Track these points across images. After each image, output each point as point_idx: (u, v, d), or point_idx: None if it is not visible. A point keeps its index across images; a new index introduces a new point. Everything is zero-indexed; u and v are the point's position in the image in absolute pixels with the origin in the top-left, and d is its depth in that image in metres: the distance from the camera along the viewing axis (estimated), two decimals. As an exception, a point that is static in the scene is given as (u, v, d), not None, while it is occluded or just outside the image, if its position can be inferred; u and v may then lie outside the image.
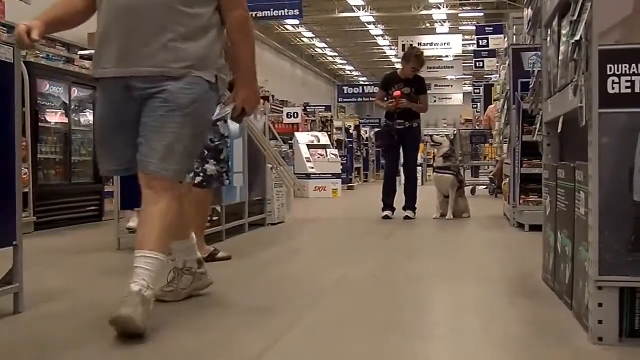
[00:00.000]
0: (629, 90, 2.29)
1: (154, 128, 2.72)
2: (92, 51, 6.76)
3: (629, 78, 2.29)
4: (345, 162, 15.16)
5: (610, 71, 2.30)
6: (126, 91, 2.79)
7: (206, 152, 4.27)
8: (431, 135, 8.44)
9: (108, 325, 2.46)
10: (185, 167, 2.87)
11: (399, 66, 8.90)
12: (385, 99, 7.62)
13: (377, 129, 21.58)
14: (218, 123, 4.41)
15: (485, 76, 26.86)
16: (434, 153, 8.84)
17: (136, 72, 2.74)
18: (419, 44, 21.54)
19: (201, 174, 4.28)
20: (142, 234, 2.73)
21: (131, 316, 2.40)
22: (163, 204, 2.72)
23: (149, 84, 2.74)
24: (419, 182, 8.22)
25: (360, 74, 42.41)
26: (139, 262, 2.61)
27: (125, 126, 2.82)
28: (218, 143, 4.37)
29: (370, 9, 26.17)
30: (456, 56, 27.33)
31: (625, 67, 2.29)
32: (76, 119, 7.40)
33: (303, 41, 33.09)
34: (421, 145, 9.70)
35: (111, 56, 2.77)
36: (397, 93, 7.37)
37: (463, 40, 25.42)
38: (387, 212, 7.51)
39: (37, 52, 6.96)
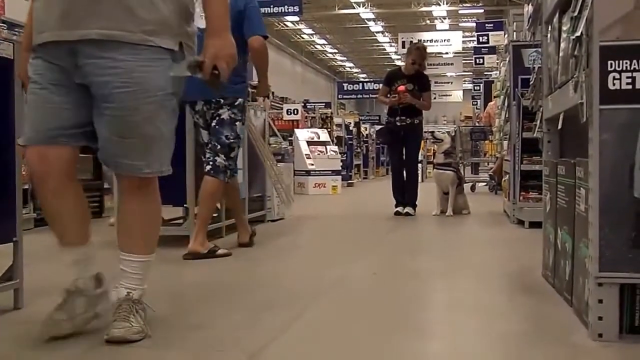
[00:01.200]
0: (630, 87, 2.29)
1: (116, 118, 2.34)
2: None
3: (629, 74, 2.29)
4: (344, 158, 15.15)
5: (611, 67, 2.30)
6: (70, 57, 2.34)
7: (218, 147, 4.51)
8: (432, 132, 8.44)
9: (106, 321, 2.46)
10: (166, 157, 2.55)
11: (399, 63, 8.91)
12: (388, 95, 7.62)
13: (377, 126, 21.61)
14: (237, 123, 4.62)
15: (485, 73, 26.92)
16: (433, 150, 8.85)
17: (84, 35, 2.29)
18: (419, 41, 21.52)
19: (210, 163, 4.50)
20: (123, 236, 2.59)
21: (124, 337, 2.35)
22: (140, 203, 2.54)
23: (100, 51, 2.30)
24: (419, 178, 8.21)
25: (360, 70, 42.43)
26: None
27: (69, 90, 2.38)
28: (232, 141, 4.56)
29: (370, 6, 26.17)
30: (456, 53, 27.34)
31: (626, 63, 2.29)
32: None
33: (303, 38, 33.09)
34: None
35: (52, 18, 2.32)
36: (401, 88, 7.36)
37: (463, 36, 25.42)
38: (398, 208, 7.52)
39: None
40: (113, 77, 2.31)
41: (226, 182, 4.60)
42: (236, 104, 4.58)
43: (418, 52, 7.59)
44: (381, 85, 8.19)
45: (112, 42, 2.30)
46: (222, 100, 4.53)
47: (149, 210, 2.60)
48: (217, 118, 4.56)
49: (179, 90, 2.50)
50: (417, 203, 7.55)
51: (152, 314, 2.57)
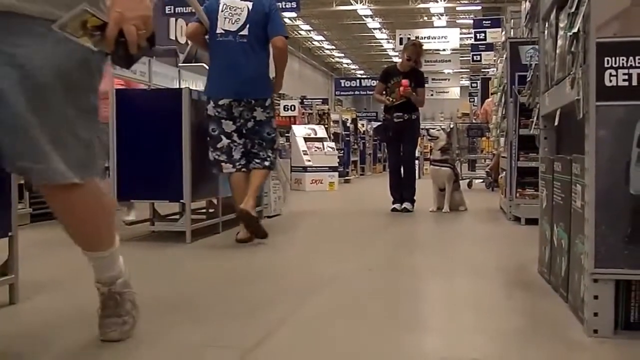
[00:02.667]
0: (626, 83, 2.29)
1: (21, 115, 1.90)
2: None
3: (626, 71, 2.29)
4: (341, 155, 15.15)
5: (608, 64, 2.30)
6: None
7: (264, 143, 4.96)
8: (427, 130, 8.44)
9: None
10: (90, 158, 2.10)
11: (396, 59, 8.91)
12: (384, 92, 7.62)
13: (374, 123, 21.60)
14: (272, 120, 5.05)
15: (482, 70, 26.90)
16: (430, 146, 8.85)
17: None
18: (416, 38, 21.51)
19: (267, 160, 4.99)
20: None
21: (120, 338, 2.33)
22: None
23: None
24: (416, 174, 8.23)
25: (357, 67, 42.41)
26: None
27: None
28: (273, 135, 5.05)
29: (368, 2, 26.16)
30: (453, 50, 27.31)
31: (623, 59, 2.29)
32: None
33: (300, 34, 33.06)
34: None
35: None
36: (405, 82, 7.35)
37: (460, 33, 25.41)
38: (395, 205, 7.52)
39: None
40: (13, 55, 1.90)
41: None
42: (267, 104, 4.97)
43: (414, 49, 7.59)
44: (377, 81, 8.17)
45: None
46: (253, 101, 4.87)
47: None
48: (254, 120, 4.92)
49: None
50: (415, 198, 7.55)
51: (148, 308, 2.56)
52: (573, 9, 2.53)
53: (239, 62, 4.86)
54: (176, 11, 12.38)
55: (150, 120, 5.08)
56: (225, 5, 4.90)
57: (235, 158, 4.93)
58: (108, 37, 1.84)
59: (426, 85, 7.86)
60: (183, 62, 7.69)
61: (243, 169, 4.94)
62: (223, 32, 4.87)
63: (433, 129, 8.26)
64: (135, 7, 1.87)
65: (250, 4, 4.89)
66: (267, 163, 4.99)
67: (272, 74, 5.20)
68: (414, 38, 20.47)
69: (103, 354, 2.28)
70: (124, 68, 2.00)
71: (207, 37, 5.04)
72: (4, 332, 2.57)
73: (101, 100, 2.25)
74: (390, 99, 7.48)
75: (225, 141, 4.92)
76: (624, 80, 2.29)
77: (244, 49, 4.87)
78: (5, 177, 2.84)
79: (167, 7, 12.28)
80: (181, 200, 5.07)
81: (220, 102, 4.88)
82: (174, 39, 17.18)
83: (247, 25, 4.85)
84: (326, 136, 14.00)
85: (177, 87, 5.75)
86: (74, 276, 3.78)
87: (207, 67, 6.74)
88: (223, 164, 4.94)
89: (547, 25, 3.36)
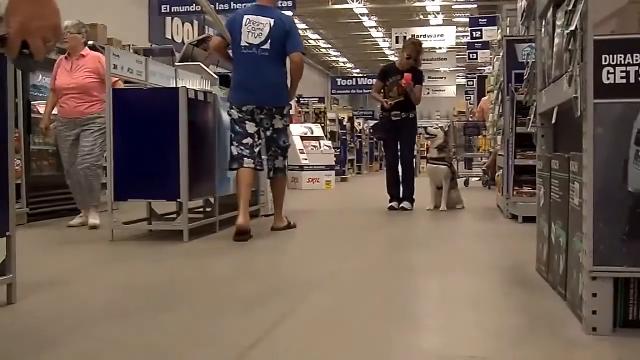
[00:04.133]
0: (624, 81, 2.29)
1: None
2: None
3: (624, 68, 2.29)
4: (338, 153, 15.15)
5: (606, 61, 2.30)
6: None
7: (279, 151, 5.50)
8: (425, 128, 8.43)
9: (101, 316, 2.45)
10: None
11: (392, 58, 8.91)
12: (382, 90, 7.62)
13: (370, 121, 21.59)
14: (287, 128, 5.60)
15: (479, 68, 26.88)
16: (427, 145, 8.84)
17: None
18: (413, 36, 21.49)
19: (280, 168, 5.53)
20: None
21: None
22: None
23: None
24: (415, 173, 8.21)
25: (353, 66, 42.36)
26: None
27: None
28: (288, 144, 5.62)
29: (364, 1, 26.12)
30: (450, 48, 27.32)
31: (621, 57, 2.29)
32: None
33: (296, 33, 32.93)
34: (415, 137, 9.67)
35: None
36: (407, 76, 7.35)
37: (456, 32, 25.40)
38: (393, 203, 7.52)
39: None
40: None
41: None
42: (285, 112, 5.49)
43: (413, 47, 7.60)
44: (375, 80, 8.17)
45: None
46: (274, 109, 5.37)
47: None
48: (273, 128, 5.42)
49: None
50: (414, 198, 7.55)
51: (145, 306, 2.56)
52: (570, 7, 2.53)
53: (261, 73, 5.31)
54: (172, 10, 12.34)
55: (147, 119, 5.08)
56: (248, 20, 5.34)
57: (255, 154, 5.34)
58: (10, 50, 1.56)
59: (423, 83, 7.84)
60: (179, 62, 7.67)
61: (258, 167, 5.40)
62: (247, 45, 5.32)
63: (431, 127, 8.25)
64: (42, 15, 1.56)
65: (272, 21, 5.34)
66: (280, 175, 5.58)
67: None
68: (410, 36, 20.47)
69: (101, 354, 2.28)
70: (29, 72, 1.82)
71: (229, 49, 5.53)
72: (2, 332, 2.57)
73: None
74: (388, 102, 7.47)
75: (249, 140, 5.32)
76: (621, 77, 2.29)
77: (265, 61, 5.31)
78: (3, 177, 2.83)
79: (163, 6, 12.24)
80: (178, 200, 5.07)
81: (244, 109, 5.32)
82: (170, 38, 17.17)
83: (270, 40, 5.30)
84: (323, 135, 14.00)
85: (174, 86, 5.73)
86: (71, 275, 3.79)
87: (203, 66, 6.77)
88: (246, 158, 5.28)
89: (544, 24, 3.36)
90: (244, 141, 5.29)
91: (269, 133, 5.44)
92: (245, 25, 5.33)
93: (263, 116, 5.36)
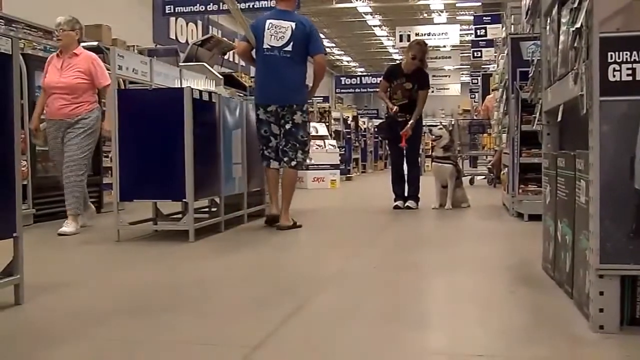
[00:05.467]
0: (630, 78, 2.28)
1: None
2: (89, 43, 6.68)
3: (629, 65, 2.28)
4: (343, 152, 15.13)
5: (611, 59, 2.30)
6: None
7: (297, 145, 5.73)
8: (430, 129, 8.41)
9: (107, 316, 2.46)
10: None
11: (396, 56, 8.91)
12: (388, 90, 7.60)
13: (375, 120, 21.55)
14: (307, 123, 5.93)
15: (483, 66, 26.85)
16: (432, 144, 8.83)
17: None
18: (417, 34, 21.49)
19: (294, 160, 5.73)
20: None
21: None
22: None
23: None
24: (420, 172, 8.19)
25: (357, 64, 42.32)
26: None
27: None
28: (306, 139, 5.85)
29: (367, 0, 26.10)
30: (454, 46, 27.26)
31: (626, 54, 2.28)
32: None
33: (300, 32, 32.92)
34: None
35: None
36: (405, 134, 7.36)
37: (460, 30, 25.33)
38: (397, 202, 7.51)
39: (35, 44, 6.93)
40: None
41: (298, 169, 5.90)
42: (304, 109, 5.80)
43: (419, 47, 7.56)
44: (381, 79, 8.16)
45: None
46: (294, 106, 5.68)
47: None
48: (292, 122, 5.70)
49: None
50: (419, 196, 7.54)
51: (151, 306, 2.57)
52: (575, 4, 2.53)
53: (284, 73, 5.66)
54: (176, 10, 12.35)
55: (152, 119, 5.08)
56: (270, 24, 5.70)
57: (280, 156, 5.75)
58: None
59: (429, 87, 7.80)
60: (184, 62, 7.70)
61: (284, 166, 5.79)
62: (269, 47, 5.67)
63: (435, 127, 8.22)
64: None
65: (293, 24, 5.69)
66: (293, 163, 5.74)
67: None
68: (414, 35, 20.48)
69: (107, 353, 2.29)
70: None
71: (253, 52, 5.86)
72: (10, 332, 2.58)
73: None
74: (393, 108, 7.45)
75: (274, 142, 5.76)
76: (627, 75, 2.29)
77: (287, 62, 5.65)
78: (10, 178, 2.84)
79: (167, 7, 12.25)
80: (184, 200, 5.08)
81: (269, 109, 5.69)
82: (174, 38, 17.19)
83: (292, 42, 5.65)
84: (327, 134, 13.98)
85: (179, 86, 5.74)
86: (78, 276, 3.80)
87: (207, 66, 6.80)
88: (272, 160, 5.78)
89: (549, 21, 3.35)
90: (270, 144, 5.75)
91: (287, 126, 5.71)
92: (268, 29, 5.68)
93: (284, 112, 5.69)
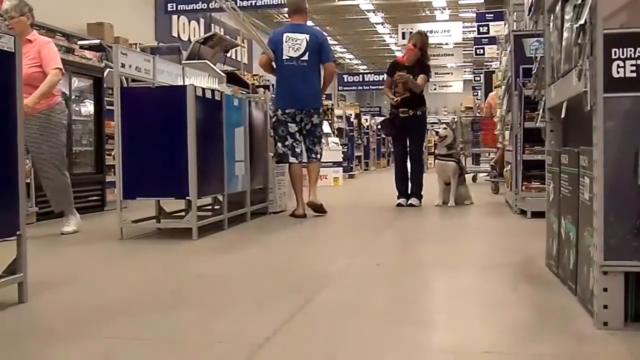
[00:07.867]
0: (634, 74, 2.28)
1: None
2: (92, 41, 6.66)
3: (633, 62, 2.27)
4: (345, 150, 15.13)
5: (615, 55, 2.29)
6: None
7: (316, 140, 6.61)
8: (436, 132, 8.38)
9: (111, 314, 2.46)
10: None
11: (399, 54, 8.89)
12: (392, 87, 7.61)
13: (377, 117, 21.54)
14: (322, 122, 7.05)
15: (486, 63, 26.81)
16: (434, 141, 8.81)
17: None
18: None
19: (318, 154, 6.65)
20: None
21: None
22: None
23: None
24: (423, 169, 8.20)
25: (360, 62, 42.29)
26: None
27: None
28: (322, 133, 6.80)
29: (370, -3, 26.08)
30: (456, 43, 27.22)
31: (630, 50, 2.28)
32: (76, 109, 7.40)
33: (302, 29, 32.89)
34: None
35: None
36: (399, 78, 7.38)
37: (463, 27, 25.30)
38: (400, 200, 7.51)
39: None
40: None
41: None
42: (320, 111, 6.68)
43: (419, 36, 7.64)
44: (385, 76, 8.19)
45: None
46: (312, 110, 6.51)
47: None
48: (311, 123, 6.56)
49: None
50: (422, 194, 7.54)
51: (155, 304, 2.57)
52: (579, 1, 2.52)
53: (301, 80, 6.42)
54: (178, 8, 12.35)
55: (155, 117, 5.08)
56: (287, 37, 6.47)
57: (297, 152, 6.47)
58: None
59: (430, 80, 7.83)
60: (186, 60, 7.68)
61: (302, 162, 6.53)
62: (288, 58, 6.44)
63: (440, 127, 8.23)
64: None
65: (307, 36, 6.49)
66: (318, 156, 6.66)
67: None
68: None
69: (112, 351, 2.29)
70: None
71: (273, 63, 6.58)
72: (14, 330, 2.58)
73: None
74: (394, 98, 7.47)
75: (290, 140, 6.44)
76: (631, 71, 2.28)
77: (304, 70, 6.44)
78: (13, 176, 2.85)
79: (169, 5, 12.25)
80: (187, 197, 5.08)
81: (287, 111, 6.42)
82: (176, 36, 17.19)
83: (307, 53, 6.43)
84: (330, 131, 13.98)
85: (182, 84, 5.74)
86: (81, 274, 3.80)
87: (210, 64, 6.86)
88: (290, 156, 6.45)
89: (552, 18, 3.34)
90: (286, 142, 6.45)
91: (308, 127, 6.54)
92: (286, 42, 6.44)
93: (303, 115, 6.47)
